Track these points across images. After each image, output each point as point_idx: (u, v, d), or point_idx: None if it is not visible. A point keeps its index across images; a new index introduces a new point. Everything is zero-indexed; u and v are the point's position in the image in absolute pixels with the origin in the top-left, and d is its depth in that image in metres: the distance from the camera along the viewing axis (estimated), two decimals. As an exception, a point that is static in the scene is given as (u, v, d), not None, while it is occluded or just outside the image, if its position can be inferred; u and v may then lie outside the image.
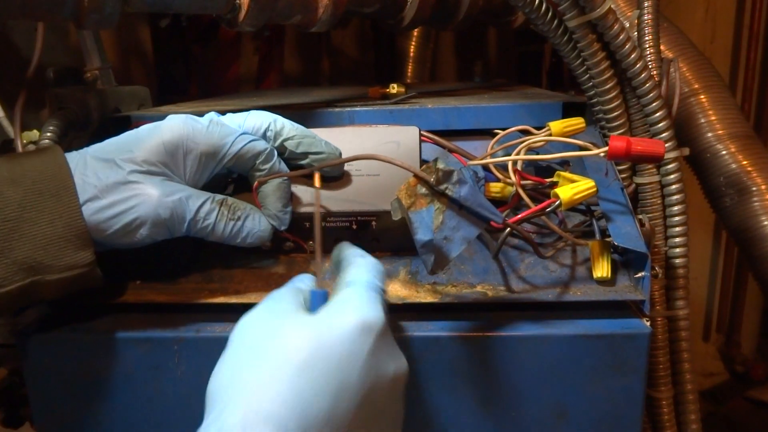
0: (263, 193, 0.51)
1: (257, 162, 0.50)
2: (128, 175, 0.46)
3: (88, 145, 0.49)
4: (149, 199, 0.46)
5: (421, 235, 0.44)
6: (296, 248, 0.55)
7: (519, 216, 0.50)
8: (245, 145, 0.49)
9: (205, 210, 0.48)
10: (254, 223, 0.50)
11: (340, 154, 0.54)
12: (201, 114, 0.50)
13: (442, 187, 0.44)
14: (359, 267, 0.42)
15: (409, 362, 0.49)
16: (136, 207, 0.46)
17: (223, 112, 0.53)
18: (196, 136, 0.48)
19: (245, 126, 0.51)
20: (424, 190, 0.44)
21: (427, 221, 0.44)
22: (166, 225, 0.47)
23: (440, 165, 0.44)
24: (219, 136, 0.49)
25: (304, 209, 0.53)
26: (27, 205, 0.44)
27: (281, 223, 0.52)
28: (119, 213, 0.46)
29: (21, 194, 0.44)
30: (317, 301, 0.41)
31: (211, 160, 0.49)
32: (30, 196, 0.44)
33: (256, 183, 0.51)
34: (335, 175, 0.54)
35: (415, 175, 0.44)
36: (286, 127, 0.52)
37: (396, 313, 0.51)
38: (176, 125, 0.48)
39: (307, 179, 0.53)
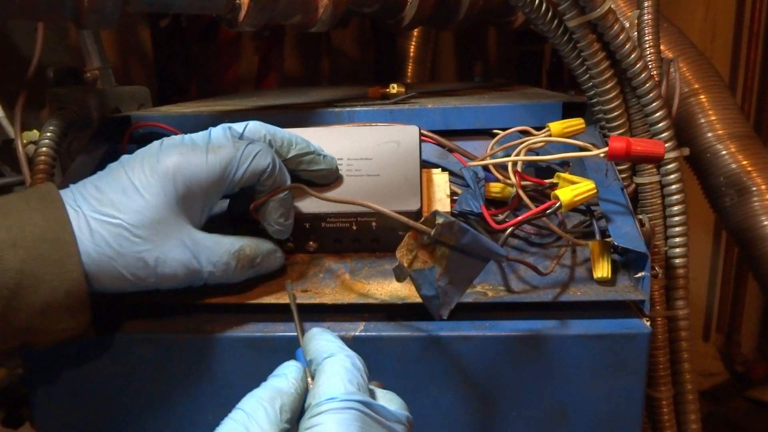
0: (266, 212, 0.50)
1: (261, 179, 0.48)
2: (140, 244, 0.44)
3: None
4: (164, 263, 0.45)
5: (425, 291, 0.45)
6: (296, 249, 0.55)
7: (519, 218, 0.50)
8: (248, 168, 0.47)
9: (221, 268, 0.48)
10: (270, 263, 0.51)
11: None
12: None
13: (442, 239, 0.43)
14: (330, 378, 0.38)
15: (409, 362, 0.49)
16: (155, 269, 0.45)
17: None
18: (199, 178, 0.46)
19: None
20: (425, 238, 0.44)
21: (430, 279, 0.44)
22: (184, 282, 0.47)
23: (439, 219, 0.43)
24: (221, 167, 0.47)
25: (303, 211, 0.53)
26: (26, 271, 0.41)
27: (284, 235, 0.51)
28: (135, 272, 0.45)
29: (21, 258, 0.41)
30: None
31: (216, 194, 0.48)
32: (30, 261, 0.41)
33: (252, 205, 0.49)
34: (330, 182, 0.54)
35: (414, 229, 0.44)
36: (284, 145, 0.51)
37: (396, 313, 0.51)
38: (173, 172, 0.45)
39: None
